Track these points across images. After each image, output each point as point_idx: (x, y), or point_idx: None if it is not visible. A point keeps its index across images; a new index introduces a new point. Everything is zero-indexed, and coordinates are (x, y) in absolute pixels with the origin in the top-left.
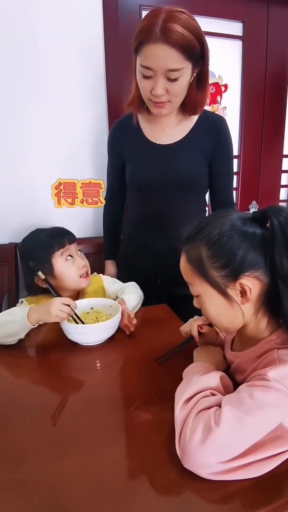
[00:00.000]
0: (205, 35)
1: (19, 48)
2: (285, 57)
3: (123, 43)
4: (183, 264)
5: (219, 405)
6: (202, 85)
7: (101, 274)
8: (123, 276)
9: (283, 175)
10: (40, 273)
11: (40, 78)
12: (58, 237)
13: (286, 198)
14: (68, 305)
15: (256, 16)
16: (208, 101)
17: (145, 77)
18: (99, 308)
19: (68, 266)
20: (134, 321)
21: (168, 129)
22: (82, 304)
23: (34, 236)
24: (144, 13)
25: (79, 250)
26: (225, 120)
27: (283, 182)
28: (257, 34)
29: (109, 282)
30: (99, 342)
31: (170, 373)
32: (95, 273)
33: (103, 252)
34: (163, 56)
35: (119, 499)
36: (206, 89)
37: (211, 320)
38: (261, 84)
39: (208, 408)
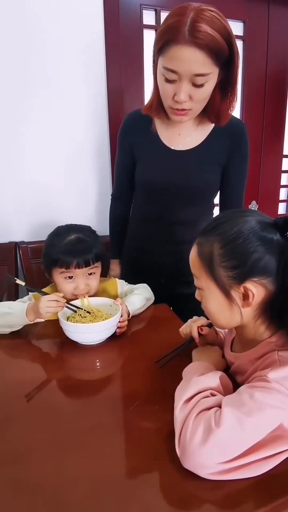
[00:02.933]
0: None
1: (18, 48)
2: (286, 57)
3: (124, 42)
4: (193, 256)
5: (219, 406)
6: (228, 93)
7: (116, 279)
8: (126, 275)
9: (283, 175)
10: (18, 280)
11: (41, 77)
12: (71, 255)
13: (286, 198)
14: (56, 300)
15: (257, 16)
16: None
17: (168, 80)
18: (100, 308)
19: (64, 283)
20: (124, 323)
21: (185, 134)
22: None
23: (57, 234)
24: (145, 13)
25: (91, 273)
26: (245, 127)
27: (283, 182)
28: (257, 34)
29: (122, 284)
30: (99, 342)
31: (169, 372)
32: (112, 277)
33: (110, 250)
34: (190, 60)
35: (119, 499)
36: (233, 98)
37: (208, 315)
38: (262, 84)
39: (208, 408)
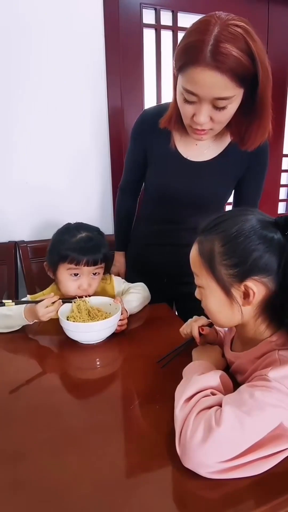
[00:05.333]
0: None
1: (18, 47)
2: (286, 57)
3: (123, 41)
4: (193, 254)
5: (220, 405)
6: (259, 114)
7: (112, 275)
8: (129, 274)
9: (283, 175)
10: (5, 300)
11: (41, 77)
12: (81, 252)
13: (285, 198)
14: (52, 303)
15: (257, 16)
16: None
17: (187, 101)
18: (99, 307)
19: (69, 280)
20: (124, 322)
21: (202, 146)
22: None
23: (67, 231)
24: (145, 12)
25: (95, 273)
26: (268, 144)
27: (282, 182)
28: (257, 34)
29: (119, 283)
30: (99, 341)
31: (169, 371)
32: (107, 274)
33: (115, 243)
34: (212, 83)
35: (119, 497)
36: (264, 121)
37: (208, 314)
38: None
39: (209, 407)
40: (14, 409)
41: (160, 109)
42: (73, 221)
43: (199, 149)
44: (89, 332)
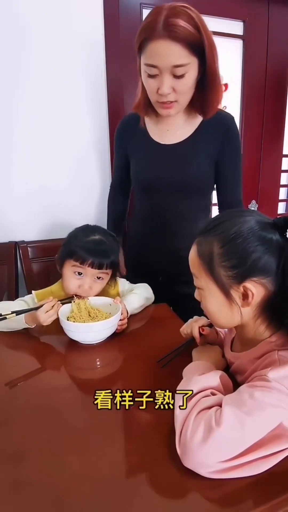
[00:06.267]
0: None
1: (18, 47)
2: (286, 56)
3: (124, 41)
4: (192, 256)
5: (220, 405)
6: (210, 83)
7: (118, 280)
8: (126, 273)
9: (283, 175)
10: (5, 313)
11: (41, 76)
12: (89, 252)
13: (285, 198)
14: (51, 307)
15: (257, 16)
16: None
17: (150, 76)
18: (99, 307)
19: (72, 277)
20: (124, 321)
21: (174, 129)
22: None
23: (85, 229)
24: (145, 12)
25: (99, 277)
26: (233, 118)
27: (282, 182)
28: (257, 34)
29: (123, 284)
30: (99, 341)
31: (169, 371)
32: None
33: None
34: (167, 52)
35: (119, 497)
36: (215, 88)
37: (208, 315)
38: (262, 84)
39: (209, 407)
40: (14, 409)
41: (134, 116)
42: (73, 220)
43: (171, 133)
44: (90, 332)
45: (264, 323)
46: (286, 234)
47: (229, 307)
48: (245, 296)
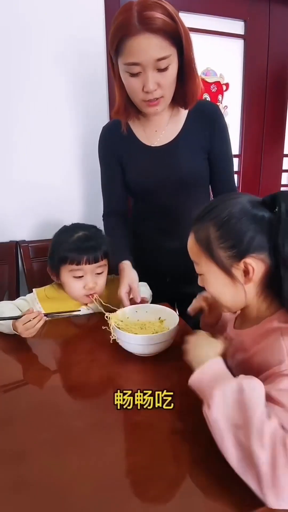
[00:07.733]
0: (206, 33)
1: (18, 47)
2: (286, 56)
3: None
4: (191, 243)
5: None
6: (188, 73)
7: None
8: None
9: (284, 175)
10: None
11: (41, 76)
12: (80, 251)
13: None
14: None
15: (258, 15)
16: (199, 92)
17: (132, 75)
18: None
19: (73, 282)
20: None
21: (161, 129)
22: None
23: (64, 232)
24: None
25: (99, 273)
26: (217, 107)
27: (283, 182)
28: (259, 33)
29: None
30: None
31: (170, 370)
32: (114, 275)
33: (115, 255)
34: (148, 46)
35: (119, 497)
36: (194, 78)
37: (213, 298)
38: (263, 83)
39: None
40: (15, 409)
41: (113, 123)
42: (74, 220)
43: (159, 134)
44: (144, 344)
45: (267, 301)
46: (275, 211)
47: (233, 286)
48: (246, 272)
